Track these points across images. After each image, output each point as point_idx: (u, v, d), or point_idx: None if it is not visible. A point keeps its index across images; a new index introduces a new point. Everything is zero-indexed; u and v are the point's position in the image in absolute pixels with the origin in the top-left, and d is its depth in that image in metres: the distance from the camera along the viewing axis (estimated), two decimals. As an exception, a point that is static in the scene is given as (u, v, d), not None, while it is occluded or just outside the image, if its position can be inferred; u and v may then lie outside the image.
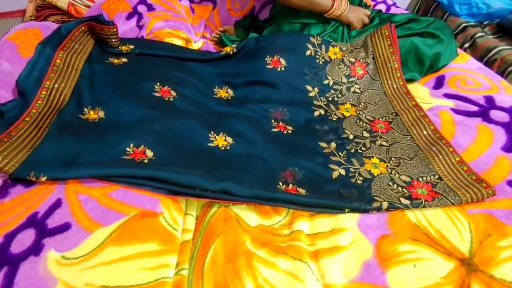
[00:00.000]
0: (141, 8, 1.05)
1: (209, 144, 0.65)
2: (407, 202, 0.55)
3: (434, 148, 0.65)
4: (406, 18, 0.88)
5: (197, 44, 1.05)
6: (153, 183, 0.54)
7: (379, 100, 0.79)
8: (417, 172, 0.62)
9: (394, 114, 0.75)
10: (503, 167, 0.61)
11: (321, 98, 0.80)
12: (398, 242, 0.51)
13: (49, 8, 1.04)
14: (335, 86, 0.82)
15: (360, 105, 0.78)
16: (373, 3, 1.19)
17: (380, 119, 0.75)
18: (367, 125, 0.73)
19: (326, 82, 0.82)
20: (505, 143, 0.65)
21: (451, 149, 0.63)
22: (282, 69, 0.81)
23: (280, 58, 0.81)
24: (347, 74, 0.83)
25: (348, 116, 0.76)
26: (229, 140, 0.66)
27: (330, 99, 0.80)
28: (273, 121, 0.74)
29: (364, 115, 0.76)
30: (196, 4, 1.22)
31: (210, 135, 0.66)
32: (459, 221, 0.53)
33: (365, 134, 0.71)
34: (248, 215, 0.56)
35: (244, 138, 0.67)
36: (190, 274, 0.48)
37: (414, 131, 0.70)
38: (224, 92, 0.80)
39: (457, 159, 0.61)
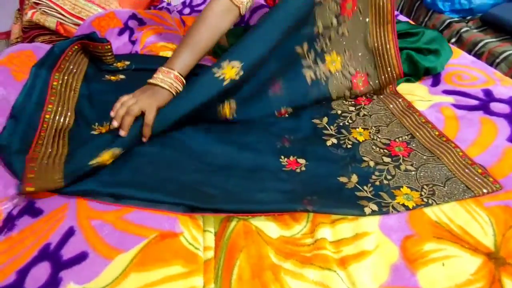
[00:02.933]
0: (132, 23, 1.04)
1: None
2: None
3: (467, 170, 0.60)
4: (400, 31, 0.87)
5: (192, 56, 1.03)
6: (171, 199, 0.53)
7: (389, 120, 0.76)
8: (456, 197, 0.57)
9: (410, 136, 0.70)
10: (512, 158, 0.62)
11: (331, 126, 0.75)
12: (422, 242, 0.51)
13: (37, 29, 1.01)
14: (344, 114, 0.78)
15: (372, 129, 0.73)
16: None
17: (396, 140, 0.70)
18: (385, 150, 0.68)
19: (333, 112, 0.79)
20: (509, 134, 0.67)
21: (479, 171, 0.60)
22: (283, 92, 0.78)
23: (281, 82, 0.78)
24: (352, 103, 0.81)
25: (363, 141, 0.70)
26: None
27: (341, 124, 0.75)
28: (282, 157, 0.66)
29: (378, 139, 0.71)
30: (186, 16, 1.22)
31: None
32: (478, 215, 0.54)
33: (386, 159, 0.66)
34: (268, 226, 0.55)
35: (253, 181, 0.61)
36: (217, 293, 0.46)
37: (438, 152, 0.65)
38: (227, 107, 0.75)
39: (491, 180, 0.58)
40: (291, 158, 0.66)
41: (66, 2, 1.00)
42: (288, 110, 0.80)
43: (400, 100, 0.80)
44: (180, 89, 0.65)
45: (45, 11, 0.98)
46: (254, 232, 0.53)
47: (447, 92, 0.81)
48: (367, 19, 0.79)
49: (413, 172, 0.62)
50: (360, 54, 0.81)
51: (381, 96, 0.83)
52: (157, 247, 0.46)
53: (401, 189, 0.59)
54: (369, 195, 0.58)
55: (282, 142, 0.70)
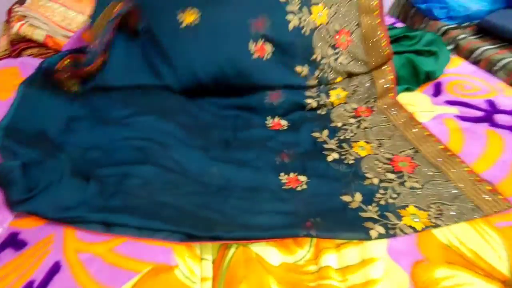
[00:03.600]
0: (124, 35, 1.01)
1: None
2: None
3: (474, 187, 0.58)
4: (398, 34, 0.87)
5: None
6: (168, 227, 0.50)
7: (391, 133, 0.73)
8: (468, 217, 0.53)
9: (414, 150, 0.67)
10: (521, 173, 0.60)
11: (332, 140, 0.72)
12: (433, 267, 0.48)
13: (25, 41, 0.98)
14: (344, 127, 0.75)
15: (374, 143, 0.70)
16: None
17: (399, 154, 0.67)
18: (388, 166, 0.64)
19: (333, 125, 0.76)
20: (516, 147, 0.65)
21: (488, 188, 0.57)
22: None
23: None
24: (352, 115, 0.79)
25: (365, 155, 0.67)
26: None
27: (341, 138, 0.72)
28: (282, 174, 0.63)
29: (381, 153, 0.68)
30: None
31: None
32: (489, 237, 0.51)
33: (390, 175, 0.62)
34: (269, 252, 0.51)
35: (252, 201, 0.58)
36: (216, 331, 0.43)
37: (443, 167, 0.62)
38: (189, 13, 0.75)
39: (500, 197, 0.56)
40: (291, 175, 0.64)
41: (55, 14, 0.96)
42: (283, 124, 0.78)
43: (401, 111, 0.78)
44: None
45: (33, 24, 0.94)
46: (254, 260, 0.50)
47: (450, 103, 0.79)
48: None
49: (419, 190, 0.59)
50: (344, 10, 0.80)
51: (382, 107, 0.81)
52: (151, 283, 0.43)
53: (407, 208, 0.56)
54: (375, 216, 0.55)
55: (282, 158, 0.68)
